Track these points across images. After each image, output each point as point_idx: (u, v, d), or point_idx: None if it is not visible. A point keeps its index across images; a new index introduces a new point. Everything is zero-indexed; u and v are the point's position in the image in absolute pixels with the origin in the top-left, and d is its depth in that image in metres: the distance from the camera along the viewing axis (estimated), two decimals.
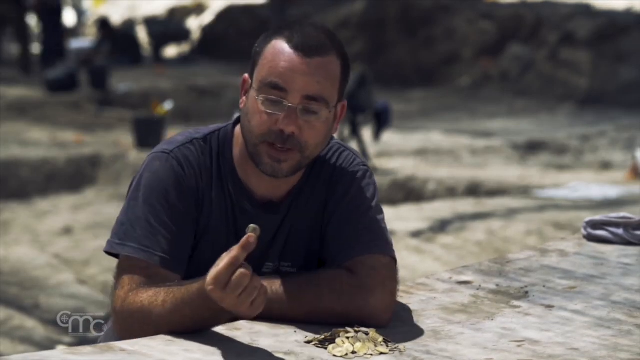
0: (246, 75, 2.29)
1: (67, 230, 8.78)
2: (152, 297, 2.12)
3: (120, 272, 2.21)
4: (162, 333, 2.09)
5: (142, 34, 20.44)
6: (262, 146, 2.22)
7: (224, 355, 2.00)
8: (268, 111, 2.21)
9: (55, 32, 17.27)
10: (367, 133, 11.82)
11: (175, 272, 2.21)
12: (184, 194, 2.25)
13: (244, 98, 2.29)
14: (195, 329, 2.09)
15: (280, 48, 2.22)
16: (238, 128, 2.34)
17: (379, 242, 2.29)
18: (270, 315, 2.15)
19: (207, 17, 22.53)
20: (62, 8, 17.86)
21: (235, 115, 2.43)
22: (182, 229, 2.24)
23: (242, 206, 2.30)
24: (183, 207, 2.24)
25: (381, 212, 2.35)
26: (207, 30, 21.61)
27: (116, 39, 18.17)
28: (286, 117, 2.20)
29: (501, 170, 11.29)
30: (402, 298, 2.40)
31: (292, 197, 2.33)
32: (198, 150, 2.30)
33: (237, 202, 2.30)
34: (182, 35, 21.06)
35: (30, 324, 6.23)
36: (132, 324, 2.13)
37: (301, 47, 2.21)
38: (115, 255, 2.25)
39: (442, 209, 9.13)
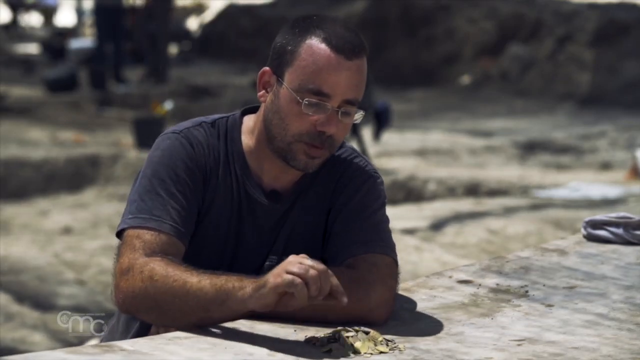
0: (267, 68, 2.30)
1: (67, 230, 8.78)
2: (185, 270, 2.11)
3: (130, 239, 2.20)
4: (173, 309, 2.09)
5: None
6: (298, 144, 2.26)
7: (223, 355, 2.00)
8: (308, 113, 2.23)
9: (118, 33, 16.24)
10: (367, 133, 11.82)
11: (183, 243, 2.23)
12: (192, 170, 2.28)
13: (264, 92, 2.31)
14: (211, 315, 2.09)
15: (319, 50, 2.23)
16: (247, 118, 2.37)
17: (382, 243, 2.31)
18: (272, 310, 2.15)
19: (207, 17, 22.54)
20: (122, 8, 16.25)
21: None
22: (190, 203, 2.27)
23: (247, 190, 2.33)
24: (191, 182, 2.28)
25: (387, 219, 2.38)
26: (207, 30, 21.61)
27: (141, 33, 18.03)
28: (328, 120, 2.24)
29: (501, 170, 11.29)
30: (402, 298, 2.40)
31: (298, 190, 2.36)
32: (207, 132, 2.35)
33: (243, 186, 2.33)
34: (182, 35, 21.06)
35: (30, 324, 6.23)
36: (147, 288, 2.12)
37: (342, 50, 2.23)
38: None
39: (442, 208, 9.14)
